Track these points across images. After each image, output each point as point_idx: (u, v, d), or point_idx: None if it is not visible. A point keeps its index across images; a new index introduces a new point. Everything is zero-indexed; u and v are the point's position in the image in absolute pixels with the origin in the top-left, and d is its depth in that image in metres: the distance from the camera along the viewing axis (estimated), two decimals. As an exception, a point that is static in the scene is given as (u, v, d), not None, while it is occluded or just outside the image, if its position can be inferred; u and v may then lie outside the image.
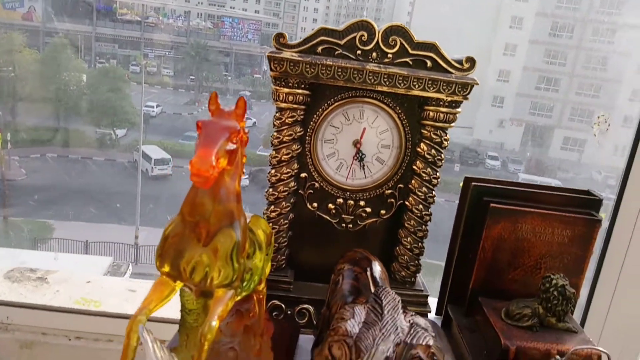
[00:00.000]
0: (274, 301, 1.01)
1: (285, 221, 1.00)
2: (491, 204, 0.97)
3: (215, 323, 0.58)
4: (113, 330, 1.24)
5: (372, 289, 0.74)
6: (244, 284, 0.68)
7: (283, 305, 1.01)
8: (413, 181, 0.99)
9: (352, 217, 1.01)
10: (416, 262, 1.04)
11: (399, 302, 0.69)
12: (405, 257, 1.03)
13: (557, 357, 0.79)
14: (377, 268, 0.83)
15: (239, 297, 0.71)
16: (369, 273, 0.81)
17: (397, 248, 1.03)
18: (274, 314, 1.00)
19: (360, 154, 0.98)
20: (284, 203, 0.98)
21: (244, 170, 0.64)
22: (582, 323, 1.26)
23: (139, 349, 0.58)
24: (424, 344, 0.61)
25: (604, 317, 1.23)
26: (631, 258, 1.19)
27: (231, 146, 0.56)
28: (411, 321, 0.66)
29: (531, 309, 0.93)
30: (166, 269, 0.61)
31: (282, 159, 0.95)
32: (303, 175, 0.98)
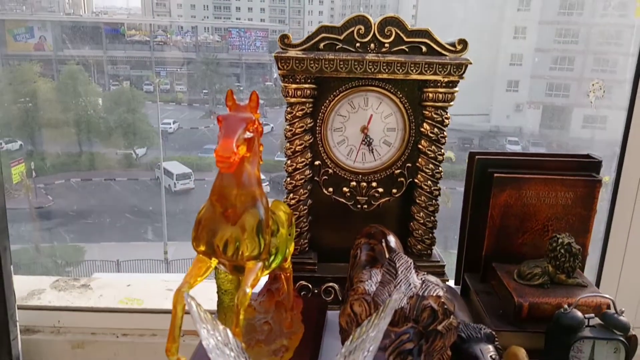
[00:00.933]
0: (301, 282, 1.09)
1: (305, 207, 1.08)
2: (495, 174, 1.04)
3: (248, 290, 0.67)
4: (156, 325, 1.33)
5: (387, 256, 0.82)
6: (271, 258, 0.76)
7: (310, 285, 1.09)
8: (420, 159, 1.06)
9: (366, 198, 1.09)
10: (430, 235, 1.10)
11: (411, 264, 0.77)
12: (420, 231, 1.10)
13: (566, 306, 0.85)
14: (392, 239, 0.91)
15: (267, 272, 0.79)
16: (383, 244, 0.88)
17: (412, 223, 1.10)
18: (302, 293, 1.08)
19: (368, 139, 1.05)
20: (301, 190, 1.06)
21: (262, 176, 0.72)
22: (597, 284, 1.31)
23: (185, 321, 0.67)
24: (434, 294, 0.69)
25: (617, 276, 1.28)
26: (638, 216, 1.23)
27: (248, 135, 0.65)
28: (423, 278, 0.74)
29: (541, 268, 0.99)
30: (202, 248, 0.69)
31: (296, 149, 1.03)
32: (317, 163, 1.06)
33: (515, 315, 0.94)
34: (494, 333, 0.78)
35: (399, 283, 0.71)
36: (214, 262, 0.70)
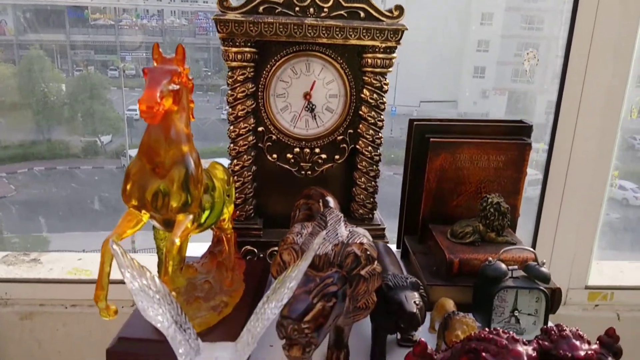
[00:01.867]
0: (247, 247, 1.11)
1: (249, 173, 1.10)
2: (431, 139, 1.08)
3: (177, 240, 0.68)
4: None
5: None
6: (204, 214, 0.78)
7: (255, 250, 1.12)
8: (361, 125, 1.09)
9: (310, 165, 1.11)
10: (372, 199, 1.14)
11: (341, 217, 0.80)
12: (362, 196, 1.13)
13: (490, 259, 0.90)
14: (329, 199, 0.93)
15: (201, 229, 0.81)
16: (321, 203, 0.91)
17: (354, 189, 1.14)
18: (247, 257, 1.11)
19: (311, 105, 1.08)
20: (245, 156, 1.08)
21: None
22: (533, 247, 1.38)
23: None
24: (358, 242, 0.72)
25: (552, 240, 1.35)
26: (570, 183, 1.30)
27: (174, 87, 0.66)
28: (350, 230, 0.77)
29: (472, 227, 1.04)
30: (134, 202, 0.70)
31: (239, 114, 1.04)
32: (260, 129, 1.08)
33: (447, 271, 0.99)
34: (419, 282, 0.82)
35: (326, 233, 0.74)
36: (145, 216, 0.72)
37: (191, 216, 0.71)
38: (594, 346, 0.66)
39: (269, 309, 0.59)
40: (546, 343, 0.66)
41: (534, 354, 0.64)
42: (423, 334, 0.91)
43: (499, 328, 0.67)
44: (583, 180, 1.30)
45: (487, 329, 0.67)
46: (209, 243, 1.01)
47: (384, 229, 1.14)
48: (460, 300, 0.92)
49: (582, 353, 0.64)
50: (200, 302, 0.85)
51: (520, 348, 0.64)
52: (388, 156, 1.73)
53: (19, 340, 1.35)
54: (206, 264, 0.97)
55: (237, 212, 1.11)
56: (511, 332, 0.66)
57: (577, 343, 0.65)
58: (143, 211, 0.71)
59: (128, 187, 0.70)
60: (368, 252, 0.72)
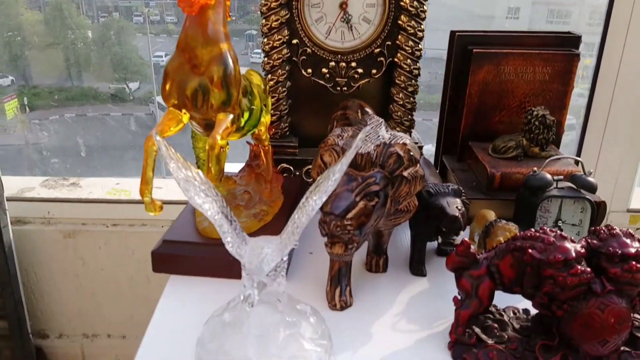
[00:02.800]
0: (282, 164, 1.11)
1: (284, 89, 1.07)
2: (474, 50, 1.03)
3: (218, 137, 0.68)
4: (145, 215, 1.36)
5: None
6: (244, 118, 0.77)
7: (292, 168, 1.11)
8: (399, 37, 1.04)
9: (346, 80, 1.08)
10: (409, 117, 1.11)
11: (382, 122, 0.78)
12: (399, 113, 1.10)
13: (535, 169, 0.87)
14: (368, 109, 0.91)
15: (240, 135, 0.81)
16: (359, 113, 0.89)
17: (391, 106, 1.11)
18: (284, 174, 1.11)
19: (347, 16, 1.03)
20: (279, 71, 1.05)
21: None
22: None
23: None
24: (401, 142, 0.70)
25: (596, 157, 1.30)
26: (617, 100, 1.24)
27: (211, -22, 0.64)
28: (392, 133, 0.75)
29: (515, 141, 1.01)
30: (173, 101, 0.70)
31: (272, 25, 1.01)
32: (294, 41, 1.04)
33: (488, 185, 0.97)
34: (461, 189, 0.81)
35: (368, 135, 0.72)
36: (185, 116, 0.71)
37: (231, 116, 0.70)
38: (646, 245, 0.64)
39: (312, 200, 0.58)
40: (595, 241, 0.64)
41: (583, 251, 0.63)
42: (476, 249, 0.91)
43: (546, 227, 0.66)
44: (630, 99, 1.24)
45: (533, 229, 0.66)
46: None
47: (421, 147, 1.12)
48: (501, 215, 0.90)
49: (633, 250, 0.62)
50: (241, 209, 0.86)
51: (568, 245, 0.63)
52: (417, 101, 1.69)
53: (63, 257, 1.41)
54: (245, 177, 0.97)
55: (273, 128, 1.10)
56: (558, 231, 0.65)
57: (628, 241, 0.64)
58: (183, 110, 0.70)
59: (167, 86, 0.70)
60: (411, 153, 0.70)
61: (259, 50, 1.01)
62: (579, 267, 0.61)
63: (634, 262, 0.62)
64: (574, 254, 0.62)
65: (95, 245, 1.39)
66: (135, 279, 1.41)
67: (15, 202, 1.36)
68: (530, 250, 0.63)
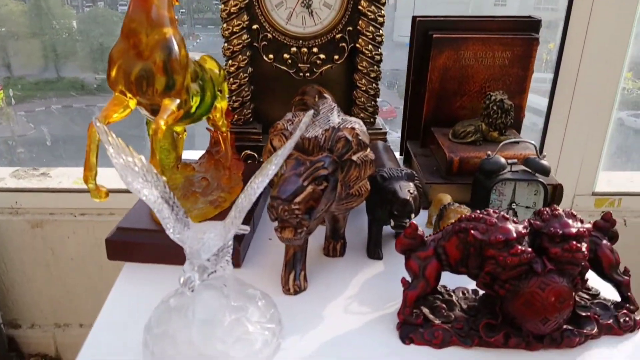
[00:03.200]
0: (246, 151, 1.11)
1: (245, 75, 1.07)
2: (434, 35, 1.03)
3: (162, 122, 0.68)
4: (113, 204, 1.35)
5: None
6: (195, 104, 0.77)
7: (255, 154, 1.11)
8: (360, 22, 1.04)
9: (308, 66, 1.08)
10: (373, 103, 1.11)
11: (335, 107, 0.78)
12: (362, 99, 1.10)
13: (489, 153, 0.88)
14: (327, 95, 0.91)
15: (191, 121, 0.81)
16: (317, 98, 0.89)
17: (354, 92, 1.11)
18: (248, 161, 1.11)
19: (307, 0, 1.03)
20: (240, 56, 1.05)
21: None
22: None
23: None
24: (349, 127, 0.70)
25: (560, 144, 1.32)
26: (581, 83, 1.25)
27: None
28: (343, 117, 0.75)
29: (474, 126, 1.01)
30: (120, 87, 0.69)
31: (231, 10, 1.00)
32: (255, 26, 1.04)
33: (447, 170, 0.98)
34: (414, 173, 0.81)
35: (317, 120, 0.73)
36: (132, 102, 0.70)
37: (177, 101, 0.70)
38: (587, 225, 0.65)
39: (255, 183, 0.58)
40: (538, 222, 0.65)
41: (524, 231, 0.64)
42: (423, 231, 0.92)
43: (490, 209, 0.67)
44: (594, 82, 1.25)
45: (478, 211, 0.67)
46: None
47: (385, 133, 1.12)
48: (459, 199, 0.91)
49: (574, 230, 0.63)
50: (198, 196, 0.86)
51: (510, 225, 0.64)
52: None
53: (32, 247, 1.40)
54: (204, 163, 0.97)
55: (235, 115, 1.09)
56: (502, 212, 0.66)
57: (570, 221, 0.65)
58: (129, 96, 0.69)
59: (113, 72, 0.69)
60: (360, 137, 0.70)
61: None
62: (520, 247, 0.62)
63: (574, 242, 0.63)
64: (514, 235, 0.63)
65: (63, 235, 1.38)
66: (105, 268, 1.41)
67: (-19, 192, 1.35)
68: (472, 232, 0.64)
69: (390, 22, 1.88)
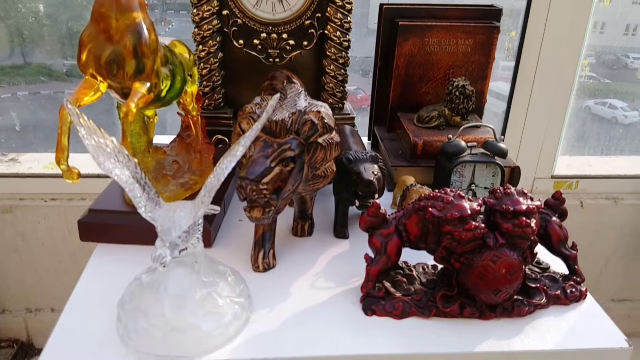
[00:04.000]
0: (217, 136, 1.13)
1: (215, 60, 1.09)
2: (400, 22, 1.06)
3: (132, 105, 0.69)
4: (84, 189, 1.36)
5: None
6: (166, 88, 0.78)
7: (226, 139, 1.13)
8: (329, 8, 1.07)
9: (278, 51, 1.10)
10: (341, 88, 1.14)
11: (302, 91, 0.81)
12: (331, 84, 1.13)
13: (450, 136, 0.93)
14: (295, 80, 0.94)
15: (161, 105, 0.82)
16: (285, 83, 0.91)
17: (323, 77, 1.13)
18: (219, 146, 1.13)
19: (277, -13, 1.04)
20: (210, 42, 1.06)
21: None
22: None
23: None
24: (315, 110, 0.73)
25: (521, 129, 1.38)
26: (540, 70, 1.30)
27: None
28: (309, 101, 0.78)
29: (438, 111, 1.06)
30: (91, 70, 0.70)
31: (202, -4, 1.01)
32: (225, 12, 1.05)
33: (412, 153, 1.02)
34: (378, 155, 0.85)
35: (284, 103, 0.75)
36: (102, 85, 0.72)
37: (148, 84, 0.72)
38: (537, 202, 0.70)
39: (223, 164, 0.61)
40: (491, 200, 0.70)
41: (478, 208, 0.68)
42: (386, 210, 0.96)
43: (447, 188, 0.71)
44: (553, 69, 1.31)
45: (436, 190, 0.71)
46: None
47: (353, 118, 1.16)
48: (423, 181, 0.96)
49: (524, 207, 0.68)
50: (169, 178, 0.88)
51: (465, 203, 0.68)
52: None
53: (2, 233, 1.39)
54: (175, 147, 0.99)
55: (206, 100, 1.11)
56: (458, 191, 0.70)
57: (520, 199, 0.69)
58: (100, 79, 0.71)
59: (83, 56, 0.70)
60: (325, 121, 0.73)
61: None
62: (474, 223, 0.67)
63: (524, 218, 0.68)
64: (469, 211, 0.67)
65: (34, 220, 1.38)
66: (78, 253, 1.42)
67: (-52, 178, 1.33)
68: (430, 209, 0.68)
69: (365, 9, 1.89)
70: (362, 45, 1.21)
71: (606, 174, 1.45)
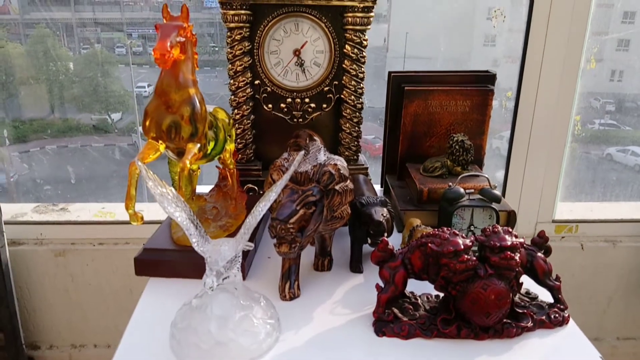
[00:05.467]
0: (248, 185, 1.29)
1: (248, 121, 1.27)
2: (405, 87, 1.24)
3: (187, 162, 0.86)
4: (128, 234, 1.53)
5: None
6: (210, 146, 0.95)
7: (256, 188, 1.30)
8: (344, 77, 1.25)
9: (301, 113, 1.28)
10: (356, 143, 1.31)
11: (322, 147, 0.97)
12: (347, 139, 1.30)
13: (450, 184, 1.07)
14: (315, 138, 1.10)
15: (207, 160, 0.99)
16: (307, 140, 1.08)
17: (340, 134, 1.30)
18: (250, 193, 1.29)
19: (301, 60, 1.23)
20: (244, 106, 1.25)
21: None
22: (504, 187, 1.54)
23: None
24: (333, 163, 0.89)
25: (520, 180, 1.51)
26: (536, 132, 1.45)
27: (180, 39, 0.83)
28: (328, 155, 0.94)
29: (441, 162, 1.21)
30: (152, 134, 0.88)
31: (237, 69, 1.20)
32: (257, 82, 1.24)
33: (418, 199, 1.16)
34: (387, 200, 1.00)
35: (308, 158, 0.91)
36: (161, 146, 0.89)
37: (198, 145, 0.89)
38: (520, 239, 0.83)
39: (259, 207, 0.77)
40: (482, 237, 0.83)
41: (470, 244, 0.81)
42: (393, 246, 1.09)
43: (444, 227, 0.85)
44: (547, 125, 1.45)
45: (435, 229, 0.85)
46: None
47: (367, 168, 1.31)
48: (428, 223, 1.09)
49: (509, 243, 0.81)
50: (210, 221, 1.04)
51: (459, 239, 0.81)
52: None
53: (54, 274, 1.55)
54: (214, 195, 1.15)
55: (239, 155, 1.28)
56: (453, 229, 0.84)
57: (506, 237, 0.83)
58: (160, 141, 0.88)
59: (147, 122, 0.88)
60: (341, 171, 0.89)
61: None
62: (466, 256, 0.80)
63: (509, 252, 0.81)
64: (462, 246, 0.80)
65: (83, 263, 1.54)
66: (120, 292, 1.57)
67: (11, 225, 1.51)
68: (430, 245, 0.81)
69: (382, 62, 2.07)
70: (380, 97, 1.36)
71: (604, 218, 1.56)
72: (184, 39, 0.84)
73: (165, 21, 0.85)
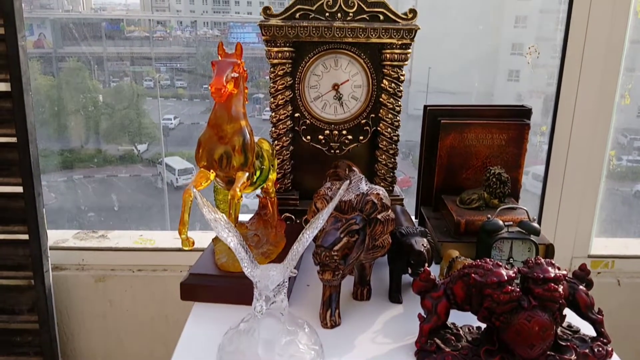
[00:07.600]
0: (286, 214, 1.32)
1: (287, 152, 1.31)
2: (442, 121, 1.27)
3: (238, 190, 0.90)
4: (166, 261, 1.57)
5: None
6: (256, 175, 0.99)
7: (293, 217, 1.33)
8: (381, 110, 1.29)
9: (338, 144, 1.32)
10: (392, 174, 1.33)
11: (363, 177, 1.00)
12: (382, 171, 1.33)
13: (489, 216, 1.08)
14: (354, 168, 1.14)
15: (253, 189, 1.03)
16: (347, 170, 1.11)
17: (376, 165, 1.33)
18: (287, 222, 1.32)
19: (339, 94, 1.28)
20: (284, 138, 1.29)
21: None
22: (539, 220, 1.54)
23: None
24: (375, 193, 0.92)
25: (556, 212, 1.51)
26: (571, 164, 1.46)
27: (234, 74, 0.88)
28: (369, 185, 0.97)
29: (478, 194, 1.22)
30: (204, 163, 0.92)
31: (279, 103, 1.26)
32: (296, 115, 1.29)
33: (455, 230, 1.17)
34: (427, 230, 1.01)
35: (350, 187, 0.94)
36: (212, 175, 0.93)
37: (247, 174, 0.93)
38: (563, 271, 0.84)
39: (306, 234, 0.79)
40: (525, 269, 0.84)
41: (513, 275, 0.82)
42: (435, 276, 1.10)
43: (487, 258, 0.86)
44: (582, 160, 1.46)
45: (477, 260, 0.86)
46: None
47: (402, 199, 1.33)
48: (466, 254, 1.10)
49: (552, 274, 0.82)
50: (252, 248, 1.06)
51: (502, 270, 0.82)
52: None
53: (93, 299, 1.59)
54: (255, 223, 1.18)
55: (278, 184, 1.32)
56: (496, 260, 0.85)
57: (549, 268, 0.83)
58: (211, 170, 0.92)
59: (200, 151, 0.92)
60: (383, 201, 0.91)
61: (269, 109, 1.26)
62: (510, 287, 0.81)
63: (552, 284, 0.81)
64: (505, 277, 0.81)
65: (122, 289, 1.58)
66: (156, 318, 1.59)
67: (54, 250, 1.57)
68: (473, 275, 0.82)
69: (405, 96, 2.11)
70: (402, 130, 1.39)
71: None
72: (237, 75, 0.89)
73: (220, 58, 0.90)
